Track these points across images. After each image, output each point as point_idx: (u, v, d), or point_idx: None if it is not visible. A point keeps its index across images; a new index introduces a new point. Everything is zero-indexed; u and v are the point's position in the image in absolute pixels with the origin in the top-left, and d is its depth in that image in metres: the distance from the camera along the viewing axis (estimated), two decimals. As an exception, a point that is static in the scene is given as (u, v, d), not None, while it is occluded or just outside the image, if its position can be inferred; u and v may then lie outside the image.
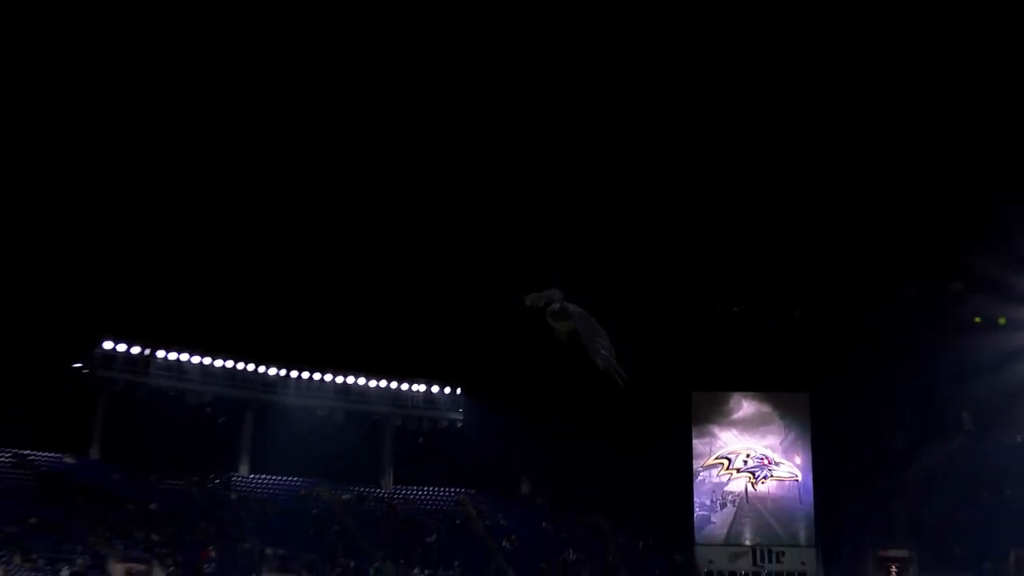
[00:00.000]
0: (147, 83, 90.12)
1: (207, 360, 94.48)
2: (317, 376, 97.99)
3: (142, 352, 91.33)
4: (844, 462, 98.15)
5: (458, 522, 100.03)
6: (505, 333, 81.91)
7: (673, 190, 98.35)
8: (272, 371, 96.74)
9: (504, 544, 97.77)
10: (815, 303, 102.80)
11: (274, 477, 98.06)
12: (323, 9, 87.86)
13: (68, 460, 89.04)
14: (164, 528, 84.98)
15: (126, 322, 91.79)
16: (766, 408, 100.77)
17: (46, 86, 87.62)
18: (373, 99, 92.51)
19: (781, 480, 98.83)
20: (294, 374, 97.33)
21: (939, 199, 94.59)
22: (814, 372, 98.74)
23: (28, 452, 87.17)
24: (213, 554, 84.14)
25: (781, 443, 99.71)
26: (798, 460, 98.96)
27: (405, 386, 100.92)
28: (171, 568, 79.81)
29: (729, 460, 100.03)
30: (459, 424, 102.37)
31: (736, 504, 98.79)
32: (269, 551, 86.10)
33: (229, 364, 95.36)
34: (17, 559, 73.54)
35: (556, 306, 24.35)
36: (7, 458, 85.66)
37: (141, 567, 78.42)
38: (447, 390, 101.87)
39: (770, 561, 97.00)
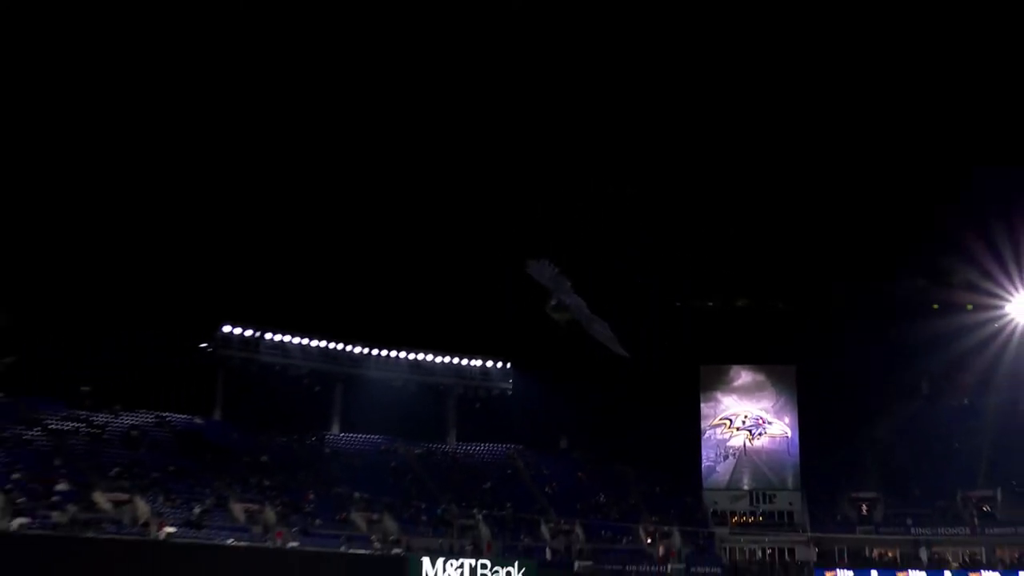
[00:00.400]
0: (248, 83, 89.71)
1: (305, 341, 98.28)
2: (394, 353, 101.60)
3: (254, 335, 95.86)
4: (824, 421, 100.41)
5: (508, 472, 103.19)
6: (547, 318, 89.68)
7: (671, 195, 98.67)
8: (358, 349, 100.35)
9: (546, 489, 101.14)
10: (800, 294, 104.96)
11: (360, 435, 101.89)
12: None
13: (197, 421, 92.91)
14: (273, 476, 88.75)
15: (241, 310, 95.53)
16: (760, 378, 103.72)
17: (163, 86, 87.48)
18: (424, 98, 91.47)
19: (773, 436, 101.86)
20: (375, 351, 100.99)
21: (908, 205, 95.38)
22: (799, 349, 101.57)
23: (167, 414, 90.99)
24: (312, 496, 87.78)
25: (773, 406, 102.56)
26: (787, 420, 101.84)
27: (465, 361, 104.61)
28: (279, 508, 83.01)
29: (730, 420, 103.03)
30: (509, 392, 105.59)
31: (736, 456, 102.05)
32: (356, 495, 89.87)
33: (323, 344, 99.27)
34: (161, 499, 77.26)
35: (554, 302, 31.20)
36: (151, 420, 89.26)
37: (255, 507, 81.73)
38: (499, 365, 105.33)
39: (764, 502, 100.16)
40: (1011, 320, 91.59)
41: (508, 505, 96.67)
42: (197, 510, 78.54)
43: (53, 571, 62.83)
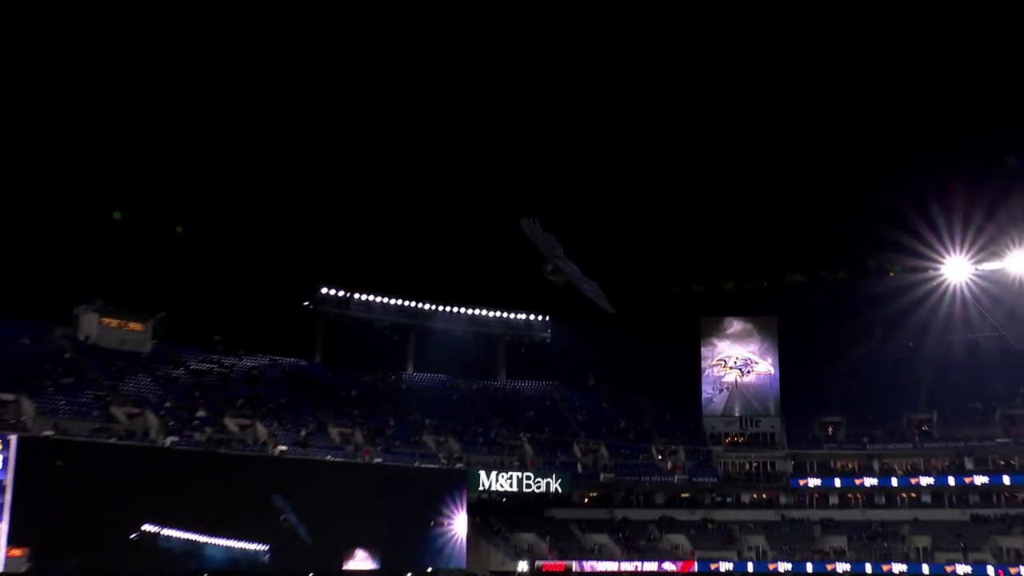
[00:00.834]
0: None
1: (386, 299, 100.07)
2: (456, 309, 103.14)
3: (345, 295, 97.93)
4: (799, 361, 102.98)
5: (547, 403, 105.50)
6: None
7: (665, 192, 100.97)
8: (427, 306, 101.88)
9: (578, 417, 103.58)
10: (780, 261, 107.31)
11: (429, 375, 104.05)
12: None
13: (302, 363, 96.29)
14: (361, 406, 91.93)
15: (335, 275, 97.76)
16: (749, 327, 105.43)
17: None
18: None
19: (758, 374, 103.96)
20: (441, 307, 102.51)
21: (862, 192, 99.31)
22: (780, 304, 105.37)
23: (278, 358, 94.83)
24: (392, 422, 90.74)
25: (759, 350, 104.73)
26: (769, 360, 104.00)
27: (512, 315, 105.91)
28: (366, 431, 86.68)
29: (725, 361, 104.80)
30: (548, 340, 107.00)
31: (729, 390, 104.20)
32: (427, 421, 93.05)
33: (400, 302, 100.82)
34: (275, 424, 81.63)
35: (550, 267, 30.53)
36: (266, 362, 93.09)
37: (348, 431, 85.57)
38: (540, 318, 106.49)
39: (751, 426, 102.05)
40: (945, 279, 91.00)
41: (547, 429, 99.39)
42: (303, 433, 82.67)
43: (195, 477, 70.25)
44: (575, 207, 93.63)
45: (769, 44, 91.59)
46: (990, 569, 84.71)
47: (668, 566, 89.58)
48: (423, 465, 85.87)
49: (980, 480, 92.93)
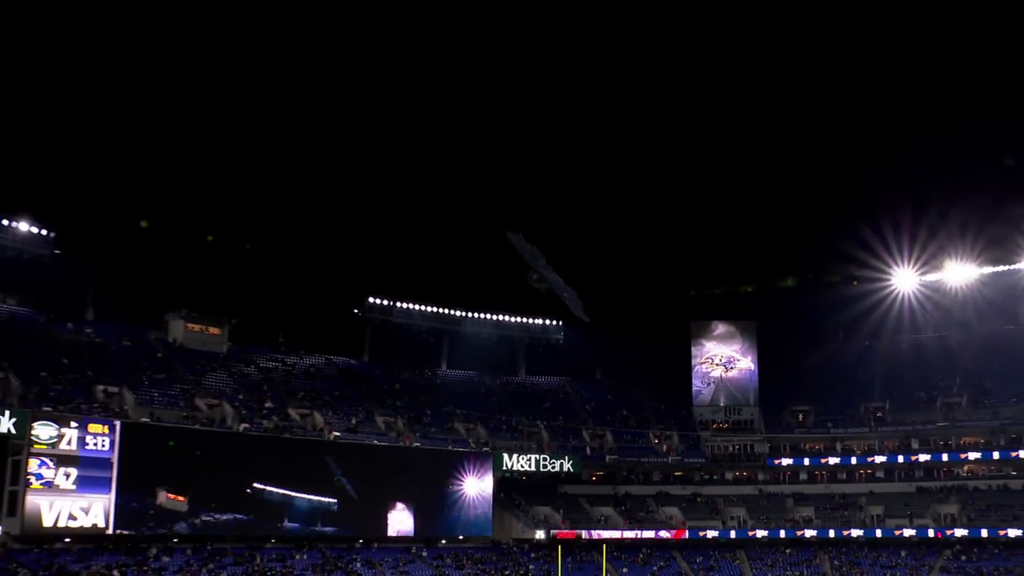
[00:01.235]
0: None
1: (423, 307, 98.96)
2: (482, 315, 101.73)
3: (389, 303, 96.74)
4: (774, 359, 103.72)
5: (560, 396, 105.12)
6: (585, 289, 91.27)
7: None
8: (458, 313, 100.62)
9: (586, 407, 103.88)
10: (759, 274, 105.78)
11: (460, 371, 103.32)
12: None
13: (352, 362, 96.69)
14: (402, 398, 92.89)
15: (380, 286, 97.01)
16: (732, 329, 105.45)
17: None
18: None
19: (740, 370, 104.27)
20: (470, 314, 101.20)
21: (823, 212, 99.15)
22: (759, 310, 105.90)
23: (333, 357, 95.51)
24: (428, 412, 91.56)
25: (740, 349, 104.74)
26: (749, 358, 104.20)
27: (530, 320, 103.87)
28: (406, 420, 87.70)
29: (712, 359, 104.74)
30: (561, 341, 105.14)
31: (715, 383, 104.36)
32: (458, 411, 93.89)
33: (435, 309, 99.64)
34: (330, 413, 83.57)
35: (535, 275, 31.64)
36: (322, 361, 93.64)
37: (391, 419, 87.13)
38: (554, 322, 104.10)
39: (733, 414, 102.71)
40: (895, 288, 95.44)
41: (560, 418, 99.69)
42: (353, 421, 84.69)
43: (264, 457, 74.12)
44: (576, 219, 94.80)
45: (733, 66, 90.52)
46: (931, 531, 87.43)
47: (663, 534, 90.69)
48: (455, 448, 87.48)
49: (924, 458, 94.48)
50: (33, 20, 73.08)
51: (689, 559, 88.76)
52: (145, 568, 66.63)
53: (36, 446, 63.65)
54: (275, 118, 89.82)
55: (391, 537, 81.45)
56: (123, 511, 66.97)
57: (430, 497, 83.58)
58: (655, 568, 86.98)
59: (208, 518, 71.06)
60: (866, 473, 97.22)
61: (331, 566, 75.06)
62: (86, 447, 65.65)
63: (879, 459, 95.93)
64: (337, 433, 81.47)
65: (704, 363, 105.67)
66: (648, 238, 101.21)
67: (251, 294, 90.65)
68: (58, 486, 64.28)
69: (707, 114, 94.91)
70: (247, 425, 76.50)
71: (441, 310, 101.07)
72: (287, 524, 75.35)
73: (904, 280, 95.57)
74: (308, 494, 76.01)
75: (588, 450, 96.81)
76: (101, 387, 72.31)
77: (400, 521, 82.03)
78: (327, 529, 77.49)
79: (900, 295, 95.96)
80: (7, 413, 62.97)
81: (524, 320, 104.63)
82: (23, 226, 75.95)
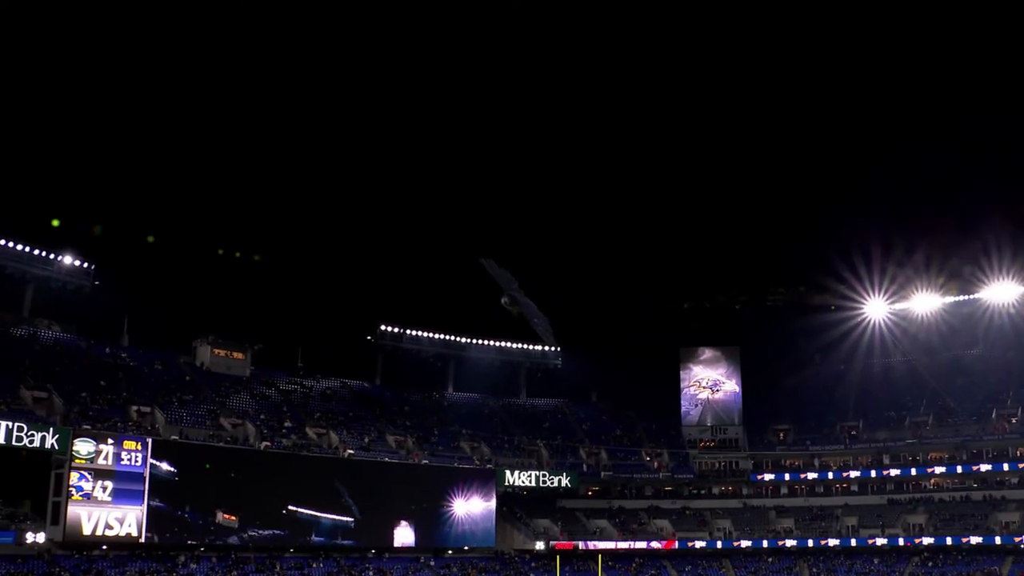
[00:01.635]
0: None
1: (431, 334, 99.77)
2: (486, 341, 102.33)
3: (400, 331, 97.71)
4: (757, 381, 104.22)
5: (559, 416, 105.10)
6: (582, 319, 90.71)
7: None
8: (463, 339, 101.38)
9: (583, 427, 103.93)
10: (743, 302, 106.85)
11: (465, 394, 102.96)
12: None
13: (365, 385, 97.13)
14: (411, 419, 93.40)
15: (391, 315, 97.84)
16: (717, 354, 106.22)
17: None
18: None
19: (726, 392, 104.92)
20: (474, 340, 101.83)
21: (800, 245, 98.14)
22: (742, 336, 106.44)
23: (347, 380, 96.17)
24: (436, 432, 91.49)
25: (725, 372, 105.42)
26: (734, 381, 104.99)
27: (531, 346, 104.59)
28: (415, 438, 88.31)
29: (699, 382, 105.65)
30: (559, 366, 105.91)
31: (703, 405, 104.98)
32: (464, 431, 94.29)
33: (442, 336, 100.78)
34: (344, 432, 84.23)
35: (507, 299, 30.46)
36: (337, 384, 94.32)
37: (401, 438, 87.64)
38: (553, 348, 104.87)
39: (719, 433, 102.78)
40: (867, 316, 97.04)
41: (558, 437, 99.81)
42: (366, 440, 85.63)
43: (284, 473, 75.86)
44: (570, 250, 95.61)
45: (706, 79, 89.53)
46: (901, 540, 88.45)
47: (655, 544, 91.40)
48: (461, 465, 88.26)
49: (894, 472, 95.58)
50: (63, 52, 74.47)
51: (679, 567, 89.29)
52: (174, 574, 68.75)
53: (76, 461, 65.52)
54: (294, 156, 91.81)
55: (399, 548, 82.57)
56: (188, 527, 71.87)
57: (437, 510, 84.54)
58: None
59: (253, 533, 74.73)
60: (842, 487, 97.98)
61: (346, 574, 76.65)
62: (121, 462, 67.67)
63: (854, 474, 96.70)
64: (351, 451, 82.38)
65: (692, 386, 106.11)
66: (637, 264, 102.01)
67: (273, 322, 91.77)
68: (96, 498, 66.18)
69: (687, 138, 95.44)
70: (268, 443, 77.87)
71: (448, 337, 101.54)
72: (314, 538, 78.10)
73: (875, 309, 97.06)
74: (331, 514, 78.67)
75: (585, 467, 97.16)
76: (135, 407, 74.09)
77: (405, 535, 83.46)
78: (346, 542, 79.74)
79: (871, 322, 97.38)
80: (51, 430, 64.78)
81: (525, 346, 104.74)
82: (67, 259, 78.80)
